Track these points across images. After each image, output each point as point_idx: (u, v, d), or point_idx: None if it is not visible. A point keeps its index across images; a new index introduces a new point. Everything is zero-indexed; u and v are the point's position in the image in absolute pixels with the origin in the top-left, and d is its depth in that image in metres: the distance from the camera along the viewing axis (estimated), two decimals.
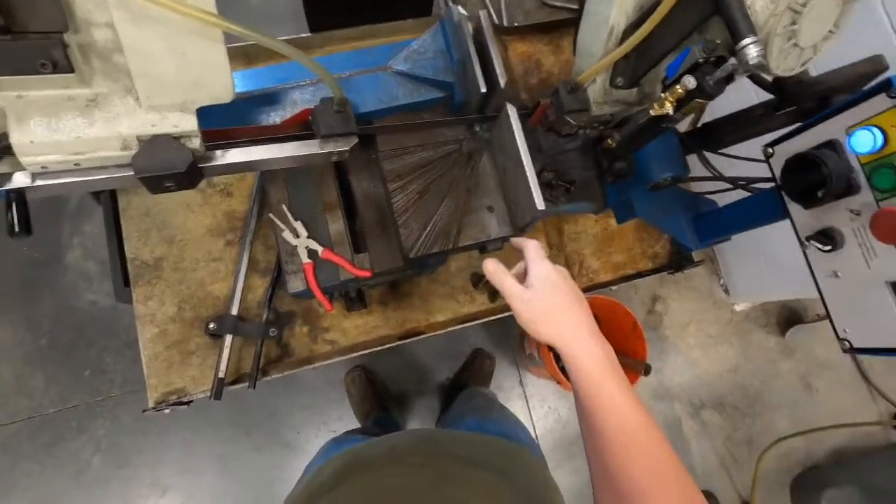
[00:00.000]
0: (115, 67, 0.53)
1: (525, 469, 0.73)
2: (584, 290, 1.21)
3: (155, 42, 0.51)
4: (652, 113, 0.69)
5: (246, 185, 1.04)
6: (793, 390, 2.05)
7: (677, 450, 1.88)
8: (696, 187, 1.22)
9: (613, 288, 1.26)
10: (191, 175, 0.58)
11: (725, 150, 0.94)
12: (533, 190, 0.74)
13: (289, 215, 0.88)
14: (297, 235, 0.88)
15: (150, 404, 0.90)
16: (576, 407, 0.55)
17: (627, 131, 0.80)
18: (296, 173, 0.91)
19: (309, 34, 1.09)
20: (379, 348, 1.01)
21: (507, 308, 1.09)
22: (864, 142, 0.54)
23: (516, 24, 2.15)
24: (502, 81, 0.77)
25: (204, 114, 0.59)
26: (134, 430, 1.65)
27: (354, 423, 1.72)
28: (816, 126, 0.63)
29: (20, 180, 0.55)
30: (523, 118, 0.91)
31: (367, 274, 0.89)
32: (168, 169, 0.55)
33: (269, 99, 0.83)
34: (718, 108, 0.89)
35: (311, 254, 0.88)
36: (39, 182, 0.55)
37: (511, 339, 1.92)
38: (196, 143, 0.59)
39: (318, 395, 1.76)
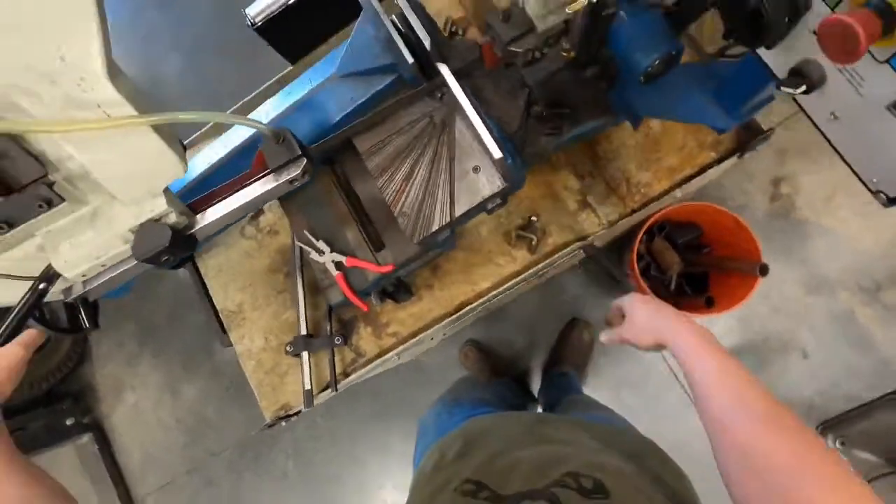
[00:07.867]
0: (95, 183, 0.66)
1: (655, 456, 0.71)
2: (640, 208, 1.08)
3: (104, 154, 0.62)
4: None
5: (287, 220, 1.16)
6: None
7: (857, 348, 1.57)
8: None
9: (676, 195, 1.10)
10: (179, 245, 0.69)
11: None
12: (485, 139, 0.71)
13: (310, 238, 0.97)
14: (321, 253, 0.97)
15: (267, 421, 1.08)
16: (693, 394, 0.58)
17: (574, 35, 0.70)
18: (306, 198, 0.99)
19: (291, 66, 1.17)
20: (435, 327, 1.06)
21: (551, 254, 1.04)
22: None
23: None
24: (427, 43, 0.74)
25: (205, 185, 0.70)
26: (308, 437, 1.98)
27: None
28: None
29: (78, 289, 0.72)
30: (476, 64, 0.86)
31: (389, 269, 0.94)
32: (156, 247, 0.67)
33: (252, 148, 0.92)
34: None
35: (339, 265, 0.96)
36: (89, 287, 0.72)
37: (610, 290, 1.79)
38: (173, 217, 0.69)
39: (443, 375, 1.87)
